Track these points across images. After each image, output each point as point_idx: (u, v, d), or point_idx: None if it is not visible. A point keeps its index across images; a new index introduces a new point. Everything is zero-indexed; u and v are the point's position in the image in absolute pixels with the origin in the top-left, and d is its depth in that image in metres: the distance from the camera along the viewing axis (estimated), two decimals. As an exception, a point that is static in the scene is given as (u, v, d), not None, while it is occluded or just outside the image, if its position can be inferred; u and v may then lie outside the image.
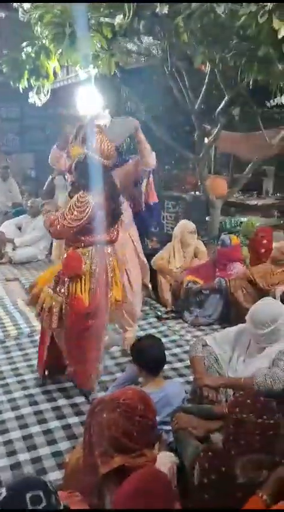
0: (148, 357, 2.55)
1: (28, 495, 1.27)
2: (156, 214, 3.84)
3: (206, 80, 5.03)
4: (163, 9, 3.53)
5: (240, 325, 2.75)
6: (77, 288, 2.89)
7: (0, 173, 7.99)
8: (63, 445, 2.62)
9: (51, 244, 6.94)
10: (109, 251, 3.06)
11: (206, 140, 5.64)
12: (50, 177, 7.56)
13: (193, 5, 3.27)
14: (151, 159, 3.42)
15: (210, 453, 1.87)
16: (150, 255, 4.46)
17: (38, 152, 9.86)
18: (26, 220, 6.95)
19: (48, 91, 4.91)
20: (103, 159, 2.90)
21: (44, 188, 7.87)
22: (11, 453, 2.57)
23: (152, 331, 4.15)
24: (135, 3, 3.75)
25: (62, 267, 2.96)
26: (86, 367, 3.04)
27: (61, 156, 3.36)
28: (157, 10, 3.60)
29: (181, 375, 3.32)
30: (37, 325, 4.32)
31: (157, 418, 2.14)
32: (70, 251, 2.95)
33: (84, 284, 2.91)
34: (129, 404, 1.94)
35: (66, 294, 2.91)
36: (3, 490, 1.30)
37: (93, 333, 2.98)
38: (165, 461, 1.93)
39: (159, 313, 4.55)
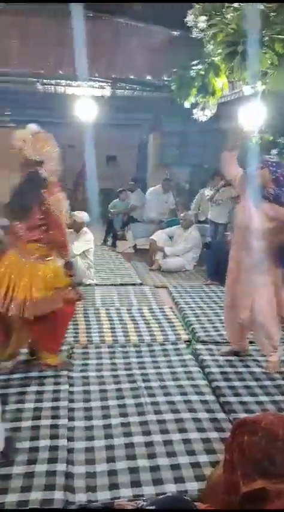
0: None
1: None
2: None
3: None
4: None
5: None
6: None
7: (163, 185, 8.39)
8: (202, 458, 2.63)
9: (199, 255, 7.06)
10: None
11: None
12: (201, 190, 7.69)
13: None
14: None
15: None
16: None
17: (194, 166, 10.12)
18: (178, 231, 7.16)
19: (213, 107, 5.02)
20: None
21: (195, 201, 8.09)
22: (151, 455, 2.66)
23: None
24: None
25: None
26: None
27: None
28: None
29: None
30: (183, 333, 4.45)
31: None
32: None
33: None
34: (270, 429, 1.89)
35: None
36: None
37: None
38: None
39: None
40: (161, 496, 1.52)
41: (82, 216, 5.98)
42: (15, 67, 5.80)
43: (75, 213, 5.89)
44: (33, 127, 3.32)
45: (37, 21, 5.73)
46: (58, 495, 2.31)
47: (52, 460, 2.57)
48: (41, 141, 3.26)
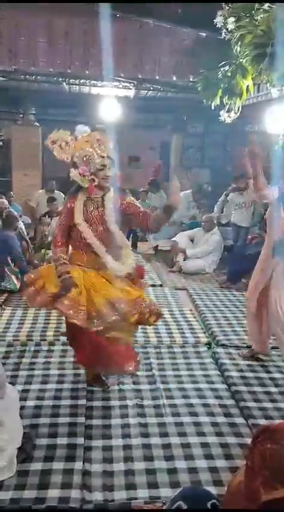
0: None
1: (209, 503, 1.41)
2: None
3: None
4: None
5: None
6: None
7: (194, 192, 8.35)
8: (220, 463, 2.60)
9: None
10: None
11: None
12: (224, 194, 7.63)
13: None
14: None
15: None
16: None
17: (215, 168, 10.07)
18: (199, 234, 7.13)
19: (238, 109, 4.99)
20: None
21: (217, 204, 8.02)
22: (169, 458, 2.64)
23: None
24: None
25: None
26: None
27: None
28: None
29: None
30: (202, 336, 4.41)
31: None
32: None
33: None
34: (291, 438, 1.87)
35: None
36: (181, 503, 1.41)
37: None
38: None
39: None
40: (178, 492, 1.51)
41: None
42: (43, 67, 5.85)
43: None
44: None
45: (65, 21, 5.77)
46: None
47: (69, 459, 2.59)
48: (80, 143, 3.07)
